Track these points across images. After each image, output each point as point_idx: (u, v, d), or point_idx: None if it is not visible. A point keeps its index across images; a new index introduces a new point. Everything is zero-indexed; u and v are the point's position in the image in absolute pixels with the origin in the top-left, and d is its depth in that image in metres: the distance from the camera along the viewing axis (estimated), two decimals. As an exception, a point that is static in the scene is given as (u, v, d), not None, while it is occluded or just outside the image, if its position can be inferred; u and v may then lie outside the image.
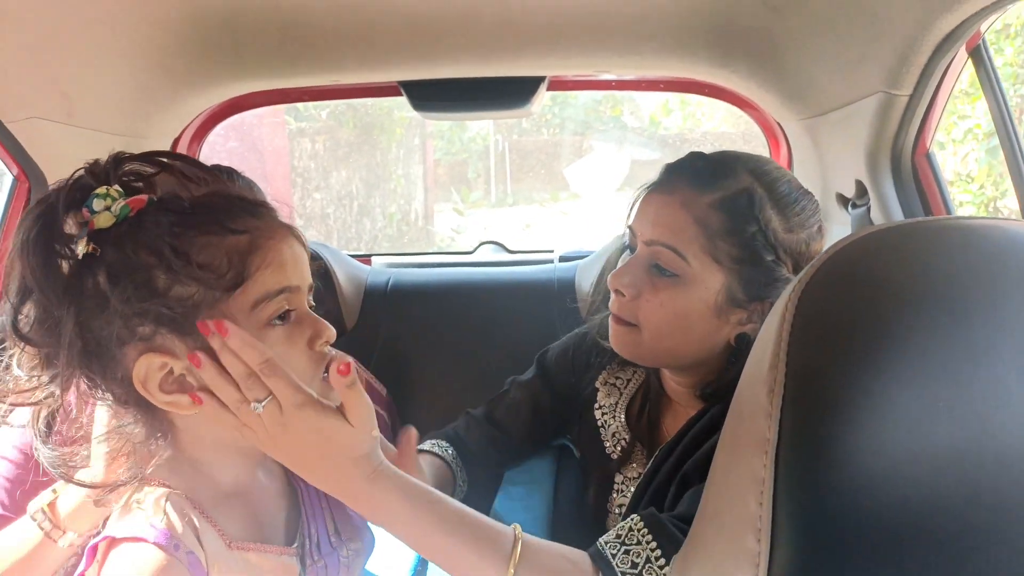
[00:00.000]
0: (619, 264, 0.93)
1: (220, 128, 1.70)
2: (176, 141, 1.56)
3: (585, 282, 1.53)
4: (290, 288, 0.64)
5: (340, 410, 0.65)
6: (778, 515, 0.40)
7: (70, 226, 0.59)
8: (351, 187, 6.14)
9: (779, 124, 1.56)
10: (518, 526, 0.72)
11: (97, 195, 0.59)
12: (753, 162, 0.90)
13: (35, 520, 0.69)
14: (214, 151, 1.80)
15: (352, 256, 1.73)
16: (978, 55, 1.00)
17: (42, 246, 0.58)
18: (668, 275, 0.86)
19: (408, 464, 0.78)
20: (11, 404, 0.63)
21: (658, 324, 0.87)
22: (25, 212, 0.60)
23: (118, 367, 0.61)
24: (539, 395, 1.10)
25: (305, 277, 0.67)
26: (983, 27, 0.95)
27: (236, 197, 0.64)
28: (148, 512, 0.62)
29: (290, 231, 0.66)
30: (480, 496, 1.04)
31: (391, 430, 1.32)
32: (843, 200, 1.33)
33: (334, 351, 0.68)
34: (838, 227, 1.35)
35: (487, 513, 1.03)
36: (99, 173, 0.61)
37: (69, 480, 0.63)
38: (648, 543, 0.74)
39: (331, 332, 0.67)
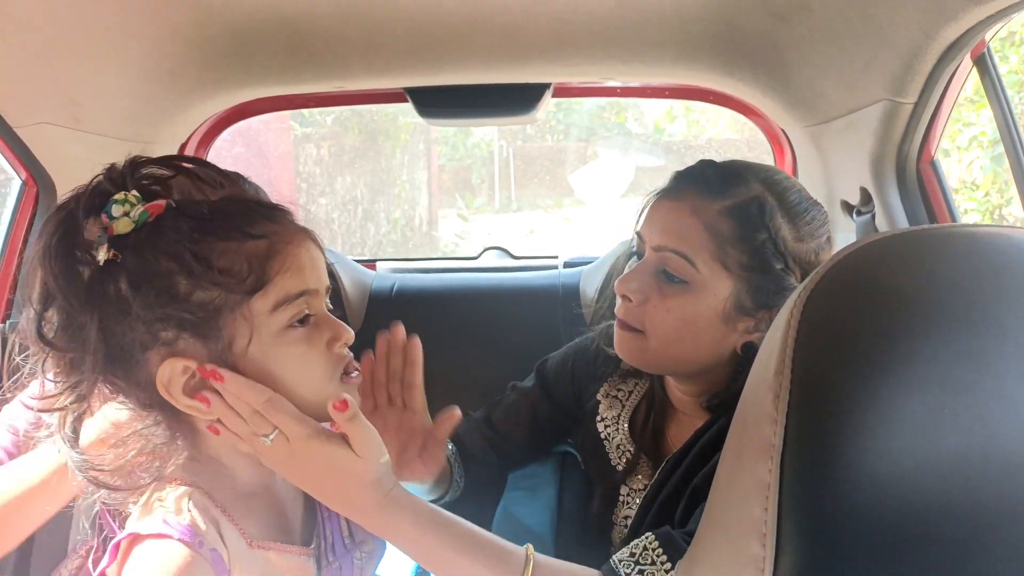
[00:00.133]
0: (626, 270, 0.93)
1: (226, 133, 1.71)
2: (183, 146, 1.57)
3: (589, 288, 1.54)
4: (309, 291, 0.65)
5: (347, 439, 0.67)
6: (783, 521, 0.40)
7: (90, 231, 0.60)
8: (356, 192, 6.15)
9: (784, 131, 1.56)
10: (530, 546, 0.72)
11: (116, 201, 0.60)
12: (764, 171, 0.90)
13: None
14: (220, 156, 1.81)
15: (357, 261, 1.73)
16: (983, 63, 1.00)
17: (63, 253, 0.59)
18: (676, 281, 0.86)
19: (438, 444, 0.81)
20: (38, 411, 0.64)
21: (665, 330, 0.87)
22: (46, 219, 0.61)
23: (141, 372, 0.62)
24: (538, 404, 1.09)
25: (323, 280, 0.68)
26: (988, 35, 0.95)
27: (253, 201, 0.66)
28: (171, 510, 0.62)
29: (307, 235, 0.67)
30: (483, 504, 1.04)
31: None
32: (848, 207, 1.33)
33: (351, 354, 0.69)
34: (842, 234, 1.35)
35: (491, 521, 1.03)
36: (116, 178, 0.62)
37: (97, 484, 0.64)
38: (663, 564, 0.74)
39: (349, 334, 0.68)
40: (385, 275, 1.70)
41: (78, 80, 1.14)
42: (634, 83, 1.63)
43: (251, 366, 0.64)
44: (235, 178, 0.69)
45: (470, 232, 6.29)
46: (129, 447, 0.64)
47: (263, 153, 5.10)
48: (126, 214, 0.60)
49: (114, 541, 0.62)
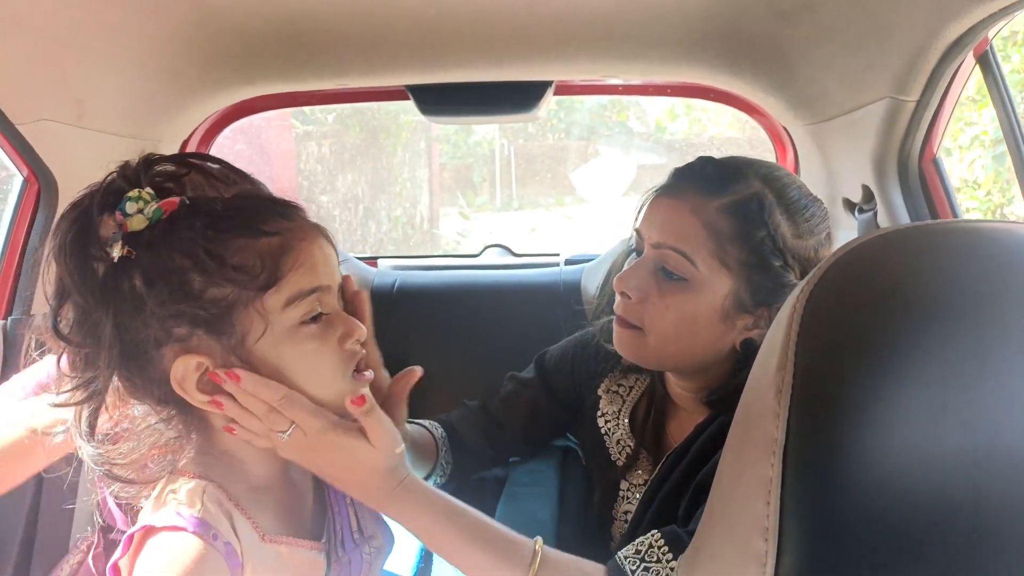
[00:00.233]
0: (625, 267, 0.93)
1: (228, 131, 1.71)
2: (185, 144, 1.57)
3: (591, 285, 1.54)
4: (321, 287, 0.65)
5: (362, 431, 0.69)
6: (786, 516, 0.40)
7: (105, 228, 0.60)
8: (357, 190, 6.16)
9: (786, 129, 1.56)
10: (539, 539, 0.74)
11: (130, 198, 0.61)
12: (763, 168, 0.90)
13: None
14: (221, 154, 1.80)
15: (358, 258, 1.73)
16: (986, 61, 1.00)
17: (78, 250, 0.60)
18: (676, 279, 0.86)
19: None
20: (53, 405, 0.64)
21: (664, 328, 0.87)
22: (61, 215, 0.62)
23: (155, 368, 0.63)
24: (537, 395, 1.09)
25: (335, 277, 0.68)
26: (991, 33, 0.95)
27: (267, 198, 0.66)
28: (184, 503, 0.63)
29: (320, 232, 0.67)
30: (484, 499, 1.04)
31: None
32: (850, 205, 1.33)
33: (363, 351, 0.70)
34: (844, 232, 1.35)
35: (492, 515, 1.03)
36: (131, 176, 0.62)
37: (111, 477, 0.64)
38: (668, 562, 0.74)
39: (362, 331, 0.69)
40: (386, 272, 1.70)
41: (80, 77, 1.14)
42: (636, 81, 1.63)
43: (263, 362, 0.64)
44: (255, 180, 0.69)
45: (471, 230, 6.29)
46: (143, 441, 0.65)
47: (264, 151, 5.10)
48: (140, 211, 0.60)
49: (127, 533, 0.63)
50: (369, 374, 0.70)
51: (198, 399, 0.64)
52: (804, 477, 0.40)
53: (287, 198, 0.68)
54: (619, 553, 0.77)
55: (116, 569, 0.63)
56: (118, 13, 1.06)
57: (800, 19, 1.09)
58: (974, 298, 0.39)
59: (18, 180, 1.28)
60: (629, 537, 0.88)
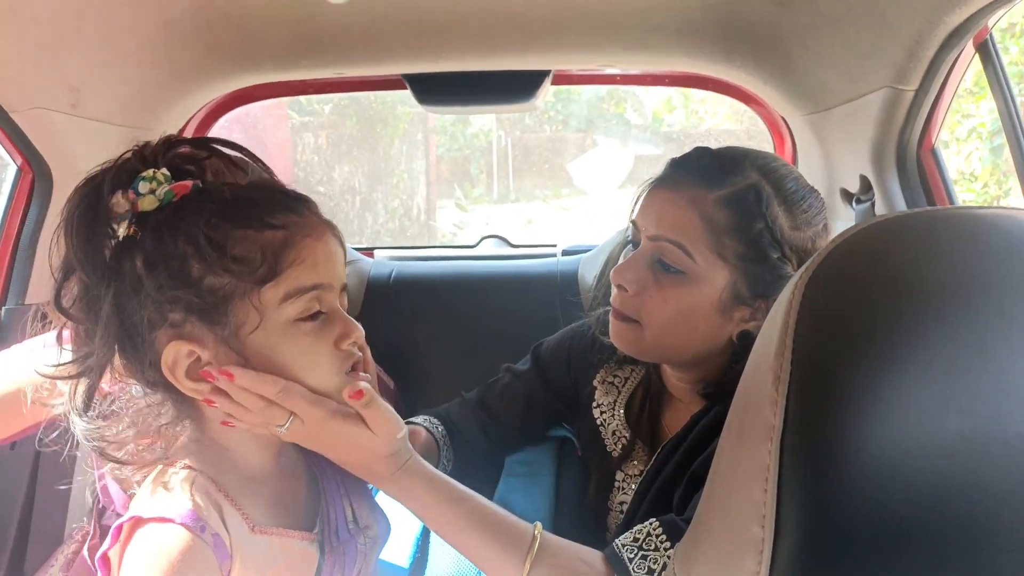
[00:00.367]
0: (621, 259, 0.93)
1: (224, 120, 1.70)
2: (181, 132, 1.56)
3: (588, 275, 1.53)
4: (321, 285, 0.65)
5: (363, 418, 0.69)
6: (783, 503, 0.40)
7: (118, 205, 0.60)
8: (354, 182, 6.14)
9: (784, 120, 1.55)
10: (539, 524, 0.74)
11: (143, 178, 0.61)
12: (760, 159, 0.89)
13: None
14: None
15: (355, 249, 1.73)
16: (985, 50, 0.99)
17: (86, 226, 0.60)
18: (673, 271, 0.85)
19: None
20: (48, 377, 0.64)
21: (661, 321, 0.87)
22: (73, 191, 0.62)
23: (149, 350, 0.63)
24: (533, 387, 1.09)
25: (339, 275, 0.67)
26: (991, 22, 0.95)
27: (279, 190, 0.66)
28: (175, 493, 0.63)
29: (329, 229, 0.67)
30: (480, 490, 1.04)
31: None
32: (847, 195, 1.33)
33: (361, 353, 0.70)
34: (842, 223, 1.35)
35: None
36: (148, 155, 0.62)
37: (103, 455, 0.64)
38: (666, 549, 0.74)
39: (359, 333, 0.68)
40: (383, 262, 1.70)
41: (75, 65, 1.14)
42: (634, 70, 1.63)
43: (256, 354, 0.64)
44: (266, 166, 0.69)
45: (468, 222, 6.29)
46: (136, 423, 0.65)
47: (261, 141, 5.08)
48: (152, 192, 0.60)
49: (116, 523, 0.62)
50: (365, 377, 0.70)
51: (187, 386, 0.63)
52: (801, 464, 0.40)
53: (299, 191, 0.68)
54: (616, 541, 0.77)
55: (106, 559, 0.63)
56: (114, 0, 1.05)
57: (799, 7, 1.09)
58: (975, 285, 0.39)
59: (12, 169, 1.27)
60: (625, 527, 0.88)
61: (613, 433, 1.01)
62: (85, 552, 0.94)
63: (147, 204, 0.60)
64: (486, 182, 6.90)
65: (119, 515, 0.79)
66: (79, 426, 0.64)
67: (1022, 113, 0.99)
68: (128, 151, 0.63)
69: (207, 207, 0.61)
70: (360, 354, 0.70)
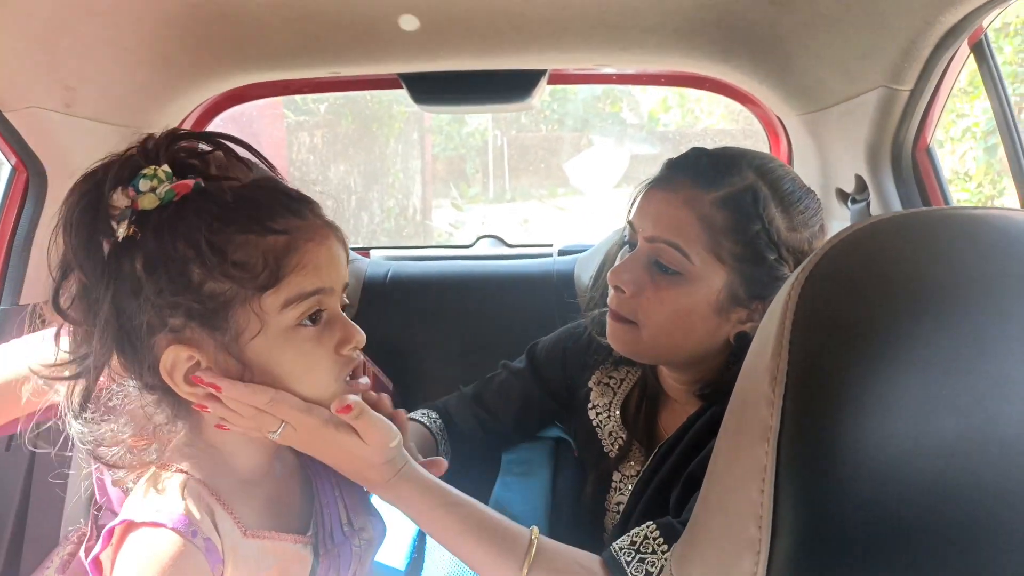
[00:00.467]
0: (618, 260, 0.92)
1: (219, 119, 1.69)
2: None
3: (584, 275, 1.54)
4: (323, 290, 0.64)
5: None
6: (780, 503, 0.40)
7: (118, 201, 0.59)
8: (349, 181, 6.14)
9: (780, 119, 1.56)
10: (535, 528, 0.74)
11: (144, 175, 0.59)
12: (757, 159, 0.89)
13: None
14: (213, 142, 1.79)
15: (351, 248, 1.73)
16: (980, 50, 1.00)
17: (86, 224, 0.59)
18: (670, 273, 0.85)
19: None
20: (45, 378, 0.63)
21: (658, 322, 0.87)
22: (72, 187, 0.60)
23: (148, 354, 0.62)
24: (529, 386, 1.09)
25: (340, 277, 0.67)
26: (985, 22, 0.95)
27: (282, 192, 0.64)
28: (167, 497, 0.62)
29: (331, 231, 0.66)
30: (477, 488, 1.04)
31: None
32: (843, 195, 1.33)
33: (360, 358, 0.69)
34: (837, 223, 1.35)
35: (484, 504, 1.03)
36: (151, 150, 0.61)
37: (97, 458, 0.64)
38: (663, 552, 0.74)
39: (360, 337, 0.68)
40: (379, 262, 1.70)
41: (70, 63, 1.13)
42: (630, 70, 1.63)
43: (257, 359, 0.63)
44: (270, 163, 0.68)
45: (464, 221, 6.29)
46: (131, 423, 0.64)
47: (257, 140, 5.05)
48: (153, 190, 0.59)
49: (108, 527, 0.62)
50: (364, 381, 0.70)
51: (184, 390, 0.63)
52: (798, 464, 0.40)
53: (302, 192, 0.67)
54: (614, 544, 0.77)
55: (97, 563, 0.63)
56: (108, -2, 1.05)
57: (795, 6, 1.09)
58: (972, 284, 0.39)
59: (6, 168, 1.27)
60: (621, 528, 0.88)
61: (609, 434, 1.01)
62: (82, 554, 0.94)
63: (147, 203, 0.59)
64: (482, 181, 6.90)
65: (115, 513, 0.79)
66: (75, 427, 0.63)
67: (1016, 113, 1.00)
68: (132, 146, 0.62)
69: (209, 209, 0.60)
70: (361, 359, 0.70)
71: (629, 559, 0.74)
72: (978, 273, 0.39)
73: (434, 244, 5.28)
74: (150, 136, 0.62)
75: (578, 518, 1.03)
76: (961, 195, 3.85)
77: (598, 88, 5.96)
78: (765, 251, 0.84)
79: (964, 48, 1.00)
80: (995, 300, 0.38)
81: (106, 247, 0.59)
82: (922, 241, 0.41)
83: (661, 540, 0.75)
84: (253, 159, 0.67)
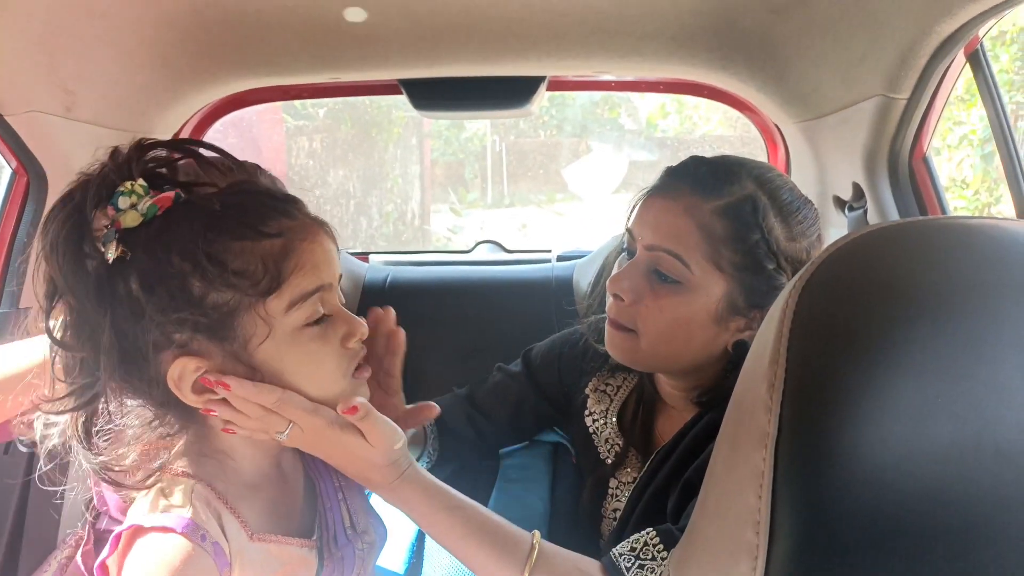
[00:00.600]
0: (616, 267, 0.92)
1: (219, 124, 1.70)
2: (176, 136, 1.56)
3: (583, 281, 1.54)
4: (323, 287, 0.64)
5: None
6: (777, 508, 0.41)
7: (96, 222, 0.58)
8: (348, 186, 6.14)
9: (777, 127, 1.56)
10: (537, 533, 0.75)
11: (122, 192, 0.58)
12: (756, 169, 0.89)
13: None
14: (213, 147, 1.79)
15: (350, 253, 1.73)
16: (976, 59, 1.00)
17: (72, 249, 0.57)
18: (670, 281, 0.85)
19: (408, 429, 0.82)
20: (47, 412, 0.62)
21: (657, 330, 0.87)
22: (51, 209, 0.59)
23: (153, 370, 0.62)
24: (524, 389, 1.09)
25: (336, 272, 0.67)
26: (981, 32, 0.96)
27: (265, 193, 0.64)
28: (174, 503, 0.62)
29: (321, 228, 0.66)
30: (472, 494, 1.04)
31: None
32: (840, 203, 1.33)
33: (364, 349, 0.70)
34: (835, 231, 1.36)
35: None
36: (122, 165, 0.60)
37: (107, 480, 0.63)
38: (663, 560, 0.74)
39: (364, 330, 0.68)
40: (378, 267, 1.70)
41: (71, 68, 1.13)
42: (628, 77, 1.63)
43: (267, 362, 0.64)
44: (251, 168, 0.66)
45: (463, 226, 6.29)
46: (140, 439, 0.64)
47: (256, 145, 5.08)
48: (133, 206, 0.58)
49: (116, 532, 0.62)
50: (367, 372, 0.70)
51: (192, 400, 0.63)
52: (796, 470, 0.40)
53: (285, 191, 0.66)
54: (614, 550, 0.77)
55: (104, 568, 0.62)
56: (110, 2, 1.05)
57: (793, 15, 1.09)
58: (967, 292, 0.39)
59: (7, 172, 1.27)
60: (618, 534, 0.88)
61: (606, 440, 1.01)
62: (78, 558, 0.94)
63: (130, 220, 0.58)
64: (481, 187, 6.90)
65: (114, 519, 0.79)
66: (86, 458, 0.62)
67: (1012, 121, 1.00)
68: (102, 163, 0.60)
69: (197, 220, 0.59)
70: (365, 350, 0.70)
71: (629, 565, 0.74)
72: (974, 280, 0.39)
73: (433, 249, 5.29)
74: (117, 150, 0.61)
75: (575, 524, 1.03)
76: (958, 202, 3.86)
77: (596, 94, 5.98)
78: (764, 260, 0.85)
79: (960, 57, 1.00)
80: (991, 307, 0.38)
81: (94, 270, 0.58)
82: (918, 250, 0.41)
83: (661, 547, 0.75)
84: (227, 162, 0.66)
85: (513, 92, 1.46)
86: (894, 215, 1.19)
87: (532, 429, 1.15)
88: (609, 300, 0.91)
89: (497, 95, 1.46)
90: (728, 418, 0.48)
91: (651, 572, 0.73)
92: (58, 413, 0.62)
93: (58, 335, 0.60)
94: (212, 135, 1.72)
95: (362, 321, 0.68)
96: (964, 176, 3.89)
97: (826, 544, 0.40)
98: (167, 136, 1.51)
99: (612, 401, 1.02)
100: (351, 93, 1.71)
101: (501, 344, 1.28)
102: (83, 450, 0.62)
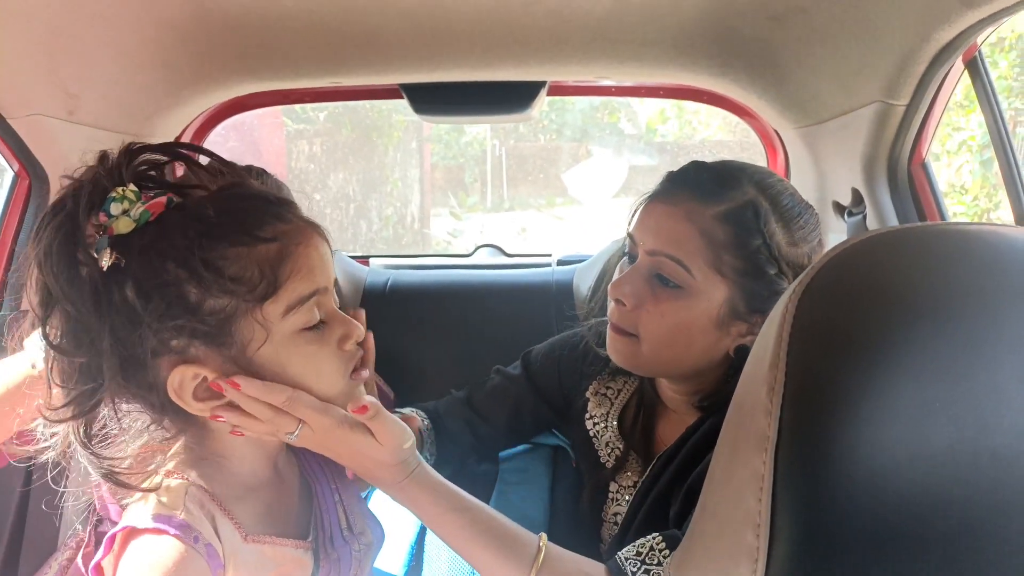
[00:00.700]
0: (617, 272, 0.93)
1: (220, 128, 1.70)
2: (177, 139, 1.57)
3: (583, 285, 1.54)
4: (319, 291, 0.65)
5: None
6: (777, 512, 0.41)
7: (93, 227, 0.58)
8: (348, 189, 6.15)
9: (777, 132, 1.57)
10: (544, 535, 0.75)
11: (113, 199, 0.58)
12: (757, 174, 0.90)
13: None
14: (214, 150, 1.80)
15: (350, 257, 1.73)
16: (974, 66, 1.01)
17: (66, 258, 0.57)
18: (671, 286, 0.86)
19: None
20: (49, 420, 0.61)
21: (659, 335, 0.87)
22: (42, 218, 0.59)
23: (151, 376, 0.62)
24: (523, 392, 1.10)
25: (330, 274, 0.67)
26: (980, 39, 0.96)
27: (259, 197, 0.64)
28: (168, 504, 0.62)
29: (315, 231, 0.66)
30: (476, 494, 1.04)
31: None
32: (839, 208, 1.34)
33: (361, 351, 0.70)
34: (834, 236, 1.36)
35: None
36: (113, 170, 0.59)
37: (111, 481, 0.63)
38: (669, 565, 0.74)
39: (360, 332, 0.68)
40: (379, 271, 1.70)
41: (73, 71, 1.14)
42: (629, 82, 1.64)
43: (264, 368, 0.64)
44: (241, 171, 0.66)
45: (462, 230, 6.30)
46: (139, 442, 0.64)
47: (257, 148, 5.09)
48: (126, 212, 0.58)
49: (110, 533, 0.62)
50: (365, 373, 0.71)
51: (195, 407, 0.63)
52: (796, 474, 0.41)
53: (277, 194, 0.66)
54: (620, 554, 0.77)
55: (99, 569, 0.62)
56: (112, 6, 1.05)
57: (793, 22, 1.10)
58: (965, 297, 0.39)
59: (9, 175, 1.27)
60: (619, 539, 0.88)
61: (606, 444, 1.01)
62: (79, 560, 0.94)
63: (123, 226, 0.57)
64: (480, 191, 6.91)
65: (114, 523, 0.79)
66: (88, 460, 0.62)
67: (1011, 128, 1.01)
68: (92, 168, 0.59)
69: (192, 225, 0.58)
70: (362, 351, 0.70)
71: (635, 569, 0.74)
72: (972, 285, 0.40)
73: (433, 253, 5.29)
74: (106, 154, 0.60)
75: (575, 528, 1.03)
76: (957, 208, 3.86)
77: (597, 99, 5.99)
78: (765, 266, 0.85)
79: (959, 64, 1.01)
80: (989, 311, 0.39)
81: (89, 278, 0.57)
82: (917, 255, 0.42)
83: (667, 552, 0.75)
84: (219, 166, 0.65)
85: (514, 97, 1.46)
86: (893, 220, 1.19)
87: (530, 432, 1.15)
88: (610, 305, 0.91)
89: (498, 100, 1.46)
90: (728, 422, 0.48)
91: None
92: (61, 421, 0.61)
93: (55, 341, 0.59)
94: (213, 138, 1.73)
95: (358, 323, 0.69)
96: (963, 182, 3.89)
97: (825, 546, 0.40)
98: (169, 139, 1.52)
99: (613, 404, 1.02)
100: (352, 97, 1.72)
101: (502, 348, 1.29)
102: (88, 455, 0.62)
